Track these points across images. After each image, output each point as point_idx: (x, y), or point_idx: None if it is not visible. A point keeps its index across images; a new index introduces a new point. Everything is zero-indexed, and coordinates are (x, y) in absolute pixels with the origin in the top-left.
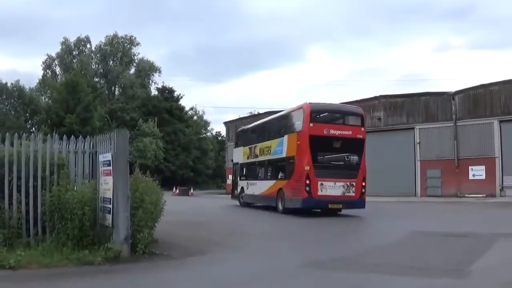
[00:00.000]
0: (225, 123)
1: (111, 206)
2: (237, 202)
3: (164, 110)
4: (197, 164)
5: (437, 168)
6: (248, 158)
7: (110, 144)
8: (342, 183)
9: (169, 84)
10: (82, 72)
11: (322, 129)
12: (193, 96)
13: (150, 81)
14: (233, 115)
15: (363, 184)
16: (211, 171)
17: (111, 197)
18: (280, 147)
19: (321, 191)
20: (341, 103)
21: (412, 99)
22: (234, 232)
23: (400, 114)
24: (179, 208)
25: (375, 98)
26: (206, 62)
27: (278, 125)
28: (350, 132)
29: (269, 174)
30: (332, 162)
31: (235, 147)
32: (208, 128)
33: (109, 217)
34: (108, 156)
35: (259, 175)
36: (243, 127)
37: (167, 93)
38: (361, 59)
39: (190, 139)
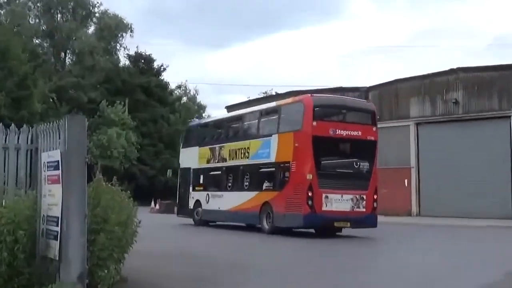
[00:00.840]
0: (228, 107)
1: (58, 229)
2: (186, 220)
3: (138, 88)
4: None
5: None
6: (208, 162)
7: (59, 138)
8: (350, 196)
9: (146, 50)
10: (15, 30)
11: (327, 129)
12: (182, 69)
13: (118, 46)
14: (239, 96)
15: (375, 197)
16: None
17: (59, 216)
18: (265, 150)
19: (326, 205)
20: (396, 79)
21: (507, 74)
22: (235, 265)
23: (488, 95)
24: (160, 232)
25: (451, 72)
26: (201, 19)
27: (262, 121)
28: (360, 133)
29: (246, 183)
30: (338, 170)
31: (183, 147)
32: (203, 114)
33: (55, 245)
34: (55, 155)
35: (229, 184)
36: (198, 121)
37: (143, 64)
38: (428, 16)
39: (176, 131)
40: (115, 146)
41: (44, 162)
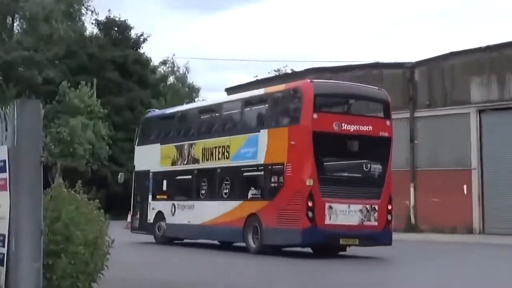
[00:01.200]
0: (229, 90)
1: (5, 250)
2: (142, 238)
3: (111, 65)
4: None
5: None
6: (174, 164)
7: (5, 130)
8: (359, 207)
9: (120, 14)
10: None
11: (331, 123)
12: (168, 39)
13: (84, 9)
14: (243, 75)
15: (389, 207)
16: None
17: (6, 234)
18: (251, 148)
19: (330, 218)
20: (451, 52)
21: None
22: None
23: None
24: (140, 255)
25: None
26: None
27: (246, 112)
28: (371, 128)
29: (226, 191)
30: (344, 174)
31: (138, 144)
32: (196, 99)
33: (0, 272)
34: (1, 153)
35: (202, 192)
36: (159, 111)
37: (116, 32)
38: None
39: None
40: (80, 141)
41: None
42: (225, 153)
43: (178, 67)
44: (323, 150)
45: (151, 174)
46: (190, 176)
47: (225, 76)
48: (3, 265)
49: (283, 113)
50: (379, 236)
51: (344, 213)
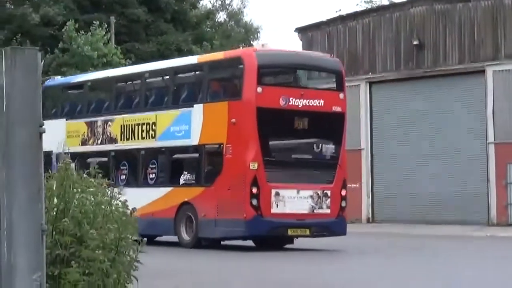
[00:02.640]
0: (301, 30)
1: None
2: None
3: None
4: None
5: None
6: (84, 144)
7: None
8: (310, 192)
9: None
10: None
11: (277, 98)
12: None
13: None
14: (321, 10)
15: (343, 193)
16: None
17: None
18: (183, 126)
19: (277, 206)
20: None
21: None
22: None
23: None
24: (180, 263)
25: None
26: None
27: (176, 83)
28: (322, 102)
29: (152, 176)
30: (293, 156)
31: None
32: (254, 43)
33: None
34: None
35: (121, 177)
36: (62, 78)
37: None
38: None
39: None
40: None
41: None
42: (150, 132)
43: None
44: (268, 128)
45: (54, 155)
46: (105, 159)
47: (294, 11)
48: None
49: (222, 86)
50: (332, 225)
51: (292, 200)
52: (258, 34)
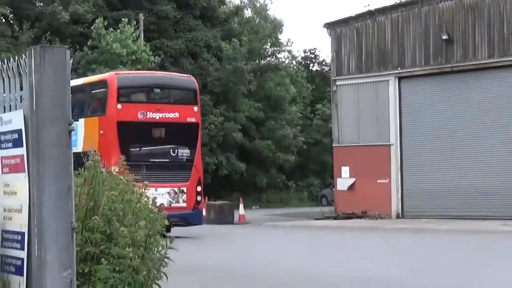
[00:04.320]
0: (330, 25)
1: (24, 254)
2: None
3: None
4: (256, 140)
5: None
6: None
7: (20, 89)
8: (167, 189)
9: None
10: None
11: (136, 112)
12: None
13: None
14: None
15: (199, 189)
16: (294, 157)
17: (26, 231)
18: (74, 136)
19: None
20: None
21: None
22: None
23: None
24: (208, 261)
25: None
26: None
27: (72, 100)
28: (178, 115)
29: None
30: (151, 160)
31: None
32: (281, 39)
33: (19, 283)
34: (14, 120)
35: None
36: None
37: None
38: None
39: (235, 72)
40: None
41: None
42: None
43: None
44: (128, 138)
45: None
46: None
47: (319, 6)
48: (22, 275)
49: (95, 103)
50: (189, 217)
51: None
52: (282, 27)
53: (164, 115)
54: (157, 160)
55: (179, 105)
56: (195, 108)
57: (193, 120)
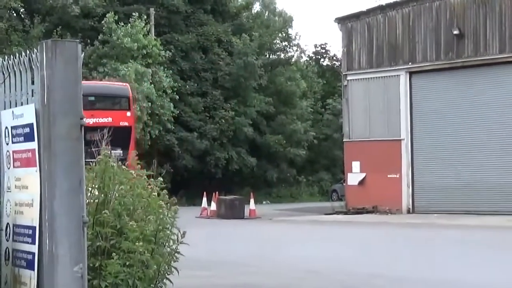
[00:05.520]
0: (341, 20)
1: (35, 248)
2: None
3: None
4: (266, 134)
5: None
6: None
7: (32, 83)
8: None
9: None
10: None
11: None
12: None
13: None
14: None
15: None
16: (305, 151)
17: (37, 225)
18: None
19: None
20: None
21: None
22: None
23: None
24: (218, 256)
25: None
26: None
27: None
28: (111, 119)
29: None
30: (86, 160)
31: None
32: (291, 34)
33: (30, 277)
34: (26, 114)
35: None
36: None
37: None
38: None
39: (246, 67)
40: (134, 96)
41: (5, 128)
42: None
43: None
44: None
45: None
46: None
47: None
48: (33, 269)
49: None
50: None
51: None
52: (291, 22)
53: (98, 120)
54: (91, 160)
55: (113, 110)
56: (128, 113)
57: (126, 124)
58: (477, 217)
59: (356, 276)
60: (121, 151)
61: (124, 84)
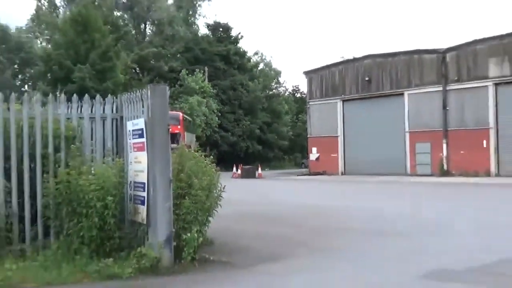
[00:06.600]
0: (306, 73)
1: (145, 194)
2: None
3: (217, 57)
4: (267, 133)
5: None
6: None
7: (142, 107)
8: None
9: (223, 19)
10: (96, 3)
11: None
12: (255, 36)
13: (197, 15)
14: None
15: None
16: (287, 142)
17: (146, 182)
18: None
19: None
20: (471, 40)
21: None
22: (328, 228)
23: None
24: (242, 196)
25: None
26: None
27: None
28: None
29: None
30: None
31: None
32: (280, 80)
33: (142, 209)
34: (139, 123)
35: None
36: None
37: (221, 32)
38: None
39: (256, 98)
40: (197, 114)
41: (129, 131)
42: None
43: (265, 57)
44: None
45: None
46: None
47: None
48: (144, 205)
49: None
50: None
51: None
52: (280, 74)
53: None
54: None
55: (173, 125)
56: (179, 126)
57: (177, 131)
58: (378, 177)
59: (304, 204)
60: (176, 144)
61: (179, 112)
